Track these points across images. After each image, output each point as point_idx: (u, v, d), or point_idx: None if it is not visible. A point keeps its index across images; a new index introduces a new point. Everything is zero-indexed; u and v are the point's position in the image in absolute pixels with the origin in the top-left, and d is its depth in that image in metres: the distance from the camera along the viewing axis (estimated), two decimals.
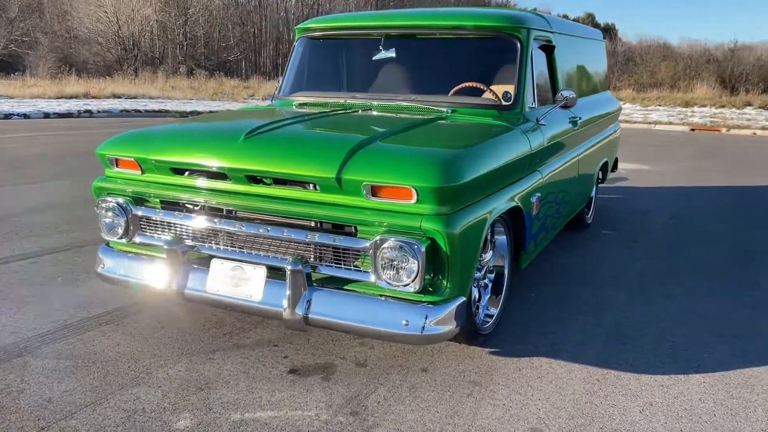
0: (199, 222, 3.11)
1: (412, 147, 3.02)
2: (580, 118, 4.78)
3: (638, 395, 2.91)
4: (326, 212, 2.85)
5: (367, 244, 2.75)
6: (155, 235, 3.29)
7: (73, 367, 3.04)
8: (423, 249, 2.65)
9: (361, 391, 2.88)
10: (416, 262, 2.66)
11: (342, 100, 4.16)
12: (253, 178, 2.99)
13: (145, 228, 3.32)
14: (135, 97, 22.62)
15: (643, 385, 3.00)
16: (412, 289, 2.72)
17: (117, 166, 3.36)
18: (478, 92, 4.06)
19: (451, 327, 2.79)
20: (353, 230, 2.86)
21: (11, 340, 3.31)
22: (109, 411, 2.66)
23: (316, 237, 2.86)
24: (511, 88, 3.96)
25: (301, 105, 4.21)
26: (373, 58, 4.35)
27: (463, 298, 2.86)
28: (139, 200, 3.32)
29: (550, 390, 2.94)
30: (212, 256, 3.14)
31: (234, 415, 2.65)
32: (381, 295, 2.85)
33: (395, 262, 2.71)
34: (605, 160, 6.12)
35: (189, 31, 37.21)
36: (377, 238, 2.72)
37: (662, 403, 2.84)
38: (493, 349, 3.33)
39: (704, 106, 23.85)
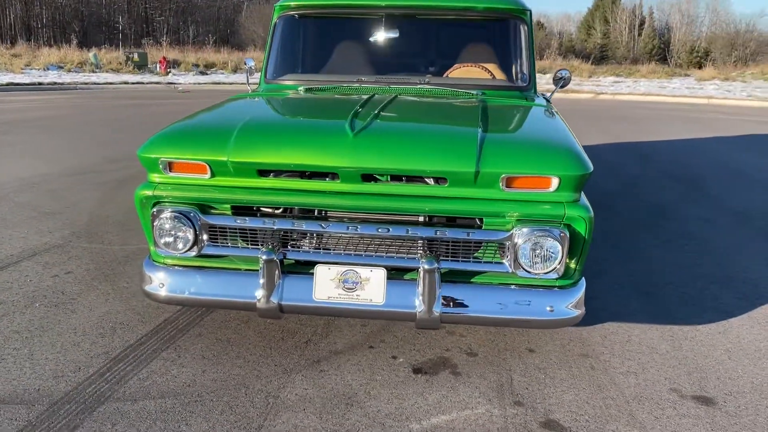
0: (302, 226, 2.85)
1: (539, 136, 3.00)
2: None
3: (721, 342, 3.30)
4: (455, 206, 2.78)
5: (506, 235, 2.75)
6: (235, 246, 2.96)
7: (182, 409, 2.66)
8: (568, 235, 2.72)
9: (501, 379, 2.91)
10: (561, 248, 2.73)
11: (356, 84, 3.98)
12: (367, 177, 2.81)
13: (218, 238, 2.96)
14: None
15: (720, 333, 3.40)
16: (555, 276, 2.79)
17: (172, 170, 2.93)
18: (488, 73, 4.15)
19: (582, 309, 2.90)
20: (477, 222, 2.84)
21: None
22: None
23: (447, 233, 2.79)
24: (515, 69, 4.11)
25: (309, 90, 3.95)
26: (373, 39, 4.22)
27: (584, 281, 2.98)
28: (204, 207, 2.94)
29: (650, 352, 3.20)
30: (313, 263, 2.91)
31: (412, 425, 2.54)
32: (511, 284, 2.88)
33: (539, 251, 2.75)
34: None
35: None
36: (517, 228, 2.73)
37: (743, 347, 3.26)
38: None
39: None
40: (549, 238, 2.72)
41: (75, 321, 3.43)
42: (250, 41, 44.78)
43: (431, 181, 2.82)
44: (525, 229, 2.72)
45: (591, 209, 2.77)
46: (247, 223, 2.89)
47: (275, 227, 2.87)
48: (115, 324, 3.40)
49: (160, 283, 3.01)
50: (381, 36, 4.21)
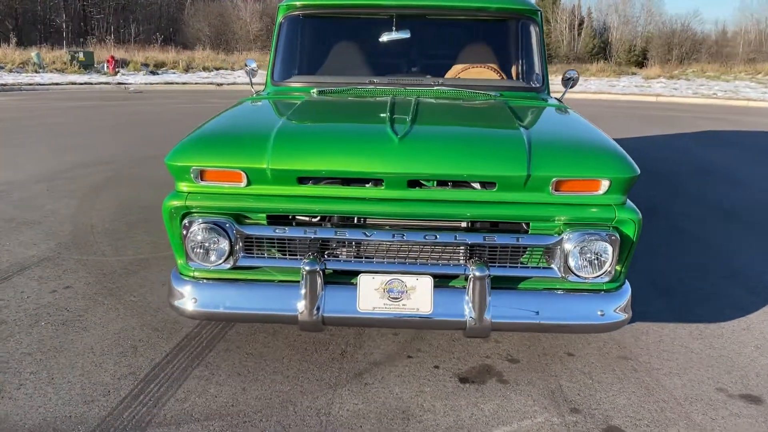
0: (345, 235, 2.74)
1: (583, 139, 2.96)
2: None
3: (748, 339, 3.34)
4: (504, 211, 2.72)
5: (556, 240, 2.71)
6: (271, 257, 2.83)
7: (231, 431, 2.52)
8: (619, 238, 2.70)
9: (550, 386, 2.87)
10: (612, 252, 2.70)
11: (370, 86, 3.87)
12: (412, 182, 2.72)
13: (252, 249, 2.82)
14: None
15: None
16: (605, 279, 2.76)
17: (204, 178, 2.78)
18: (499, 74, 4.12)
19: (630, 313, 2.88)
20: (524, 227, 2.79)
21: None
22: None
23: (496, 238, 2.73)
24: (529, 70, 4.09)
25: (322, 93, 3.82)
26: (382, 39, 4.13)
27: (629, 284, 2.97)
28: (238, 217, 2.80)
29: (685, 352, 3.22)
30: (352, 272, 2.81)
31: None
32: (557, 289, 2.84)
33: (590, 255, 2.72)
34: None
35: None
36: (567, 232, 2.69)
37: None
38: None
39: None
40: (600, 242, 2.69)
41: (89, 340, 3.22)
42: (196, 40, 43.80)
43: (477, 186, 2.76)
44: (575, 233, 2.68)
45: (639, 211, 2.76)
46: (287, 232, 2.76)
47: (316, 236, 2.76)
48: (134, 341, 3.21)
49: (193, 297, 2.84)
50: (390, 37, 4.11)
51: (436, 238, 2.74)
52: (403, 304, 2.76)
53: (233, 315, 2.87)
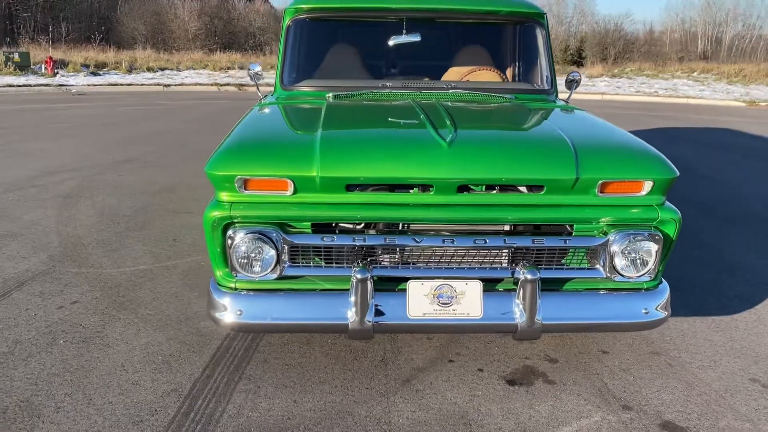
0: (395, 242, 2.72)
1: (622, 141, 3.00)
2: None
3: (763, 330, 3.49)
4: (552, 214, 2.76)
5: (602, 241, 2.76)
6: (317, 265, 2.78)
7: None
8: (662, 238, 2.78)
9: (595, 384, 2.92)
10: (656, 251, 2.78)
11: (386, 90, 3.85)
12: (461, 187, 2.73)
13: (298, 258, 2.77)
14: None
15: None
16: (648, 278, 2.83)
17: (247, 188, 2.71)
18: (502, 76, 4.17)
19: (669, 310, 2.96)
20: (568, 229, 2.84)
21: None
22: None
23: (544, 241, 2.76)
24: (539, 72, 4.16)
25: (337, 97, 3.78)
26: (392, 42, 4.11)
27: (666, 282, 3.04)
28: (283, 226, 2.75)
29: (710, 345, 3.33)
30: (398, 278, 2.79)
31: None
32: (600, 290, 2.89)
33: (634, 255, 2.78)
34: None
35: None
36: (613, 233, 2.75)
37: None
38: None
39: None
40: (645, 242, 2.76)
41: (117, 357, 3.10)
42: (132, 39, 42.50)
43: (524, 189, 2.79)
44: (621, 234, 2.74)
45: (679, 211, 2.84)
46: (335, 241, 2.73)
47: (365, 244, 2.73)
48: (165, 356, 3.10)
49: (237, 309, 2.77)
50: (400, 40, 4.09)
51: (485, 242, 2.75)
52: (453, 310, 2.76)
53: (281, 326, 2.81)
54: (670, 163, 2.82)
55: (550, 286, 2.88)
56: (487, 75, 4.18)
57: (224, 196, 2.73)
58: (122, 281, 4.08)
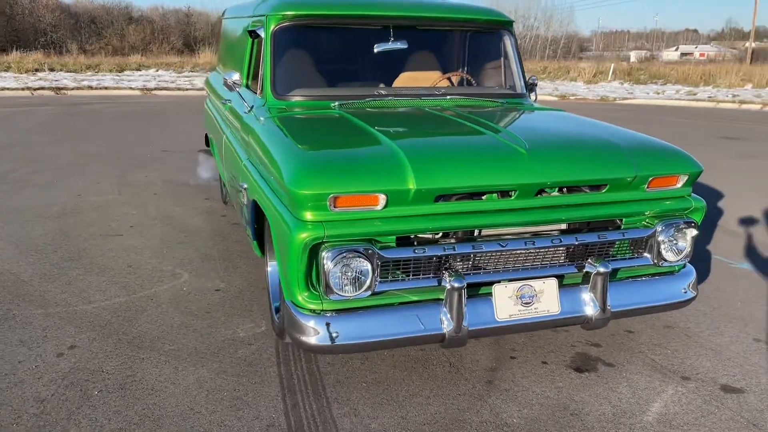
0: (482, 248, 2.79)
1: (649, 140, 3.28)
2: None
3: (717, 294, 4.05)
4: (614, 210, 3.02)
5: (652, 231, 3.06)
6: (405, 278, 2.77)
7: None
8: (697, 224, 3.14)
9: (645, 360, 3.23)
10: (693, 236, 3.14)
11: (389, 98, 3.86)
12: (539, 191, 2.87)
13: (387, 274, 2.74)
14: None
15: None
16: (685, 261, 3.19)
17: (337, 205, 2.62)
18: (490, 82, 4.40)
19: (697, 289, 3.34)
20: (617, 223, 3.11)
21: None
22: None
23: (607, 236, 3.00)
24: (515, 77, 4.43)
25: (343, 106, 3.71)
26: (378, 50, 4.11)
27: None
28: (371, 241, 2.70)
29: (699, 315, 3.80)
30: (478, 284, 2.88)
31: (645, 417, 2.73)
32: (642, 275, 3.21)
33: (677, 241, 3.12)
34: None
35: None
36: (659, 223, 3.06)
37: None
38: None
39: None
40: (685, 229, 3.11)
41: (175, 400, 2.80)
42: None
43: (587, 189, 3.00)
44: (665, 224, 3.06)
45: (703, 199, 3.23)
46: (426, 252, 2.74)
47: (456, 252, 2.77)
48: (231, 392, 2.87)
49: (334, 332, 2.68)
50: (386, 47, 4.10)
51: (560, 241, 2.93)
52: (535, 308, 2.91)
53: (378, 343, 2.77)
54: (694, 158, 3.19)
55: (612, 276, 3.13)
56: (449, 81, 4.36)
57: (309, 215, 2.62)
58: (108, 318, 3.65)
